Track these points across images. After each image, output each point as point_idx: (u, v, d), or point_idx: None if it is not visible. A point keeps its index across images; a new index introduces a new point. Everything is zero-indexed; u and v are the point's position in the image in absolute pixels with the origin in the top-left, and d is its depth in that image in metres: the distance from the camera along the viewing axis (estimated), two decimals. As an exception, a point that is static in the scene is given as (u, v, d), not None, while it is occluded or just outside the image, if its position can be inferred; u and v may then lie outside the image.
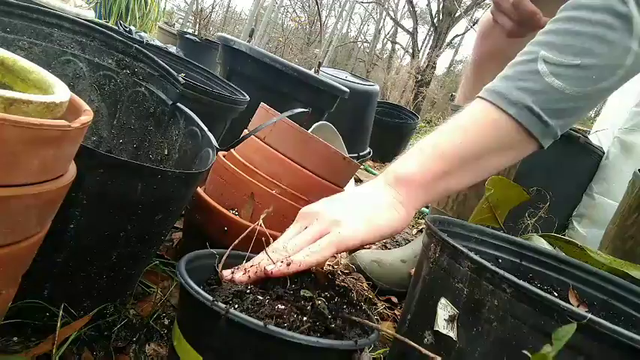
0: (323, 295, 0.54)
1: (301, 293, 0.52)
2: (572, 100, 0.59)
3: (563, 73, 0.58)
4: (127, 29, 2.05)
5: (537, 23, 0.89)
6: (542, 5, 0.89)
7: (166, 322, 0.71)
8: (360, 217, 0.57)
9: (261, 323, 0.43)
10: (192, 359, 0.47)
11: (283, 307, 0.49)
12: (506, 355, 0.44)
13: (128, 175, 0.54)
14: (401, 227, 0.60)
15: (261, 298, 0.51)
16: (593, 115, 4.25)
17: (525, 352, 0.36)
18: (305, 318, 0.49)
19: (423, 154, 0.61)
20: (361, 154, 2.56)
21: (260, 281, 0.54)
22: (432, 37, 11.64)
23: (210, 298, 0.45)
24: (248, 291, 0.51)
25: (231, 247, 0.59)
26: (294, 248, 0.55)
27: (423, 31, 13.93)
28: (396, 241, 1.58)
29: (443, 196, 0.66)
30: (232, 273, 0.55)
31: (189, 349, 0.48)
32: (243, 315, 0.44)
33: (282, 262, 0.52)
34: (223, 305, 0.44)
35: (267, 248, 0.56)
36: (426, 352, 0.43)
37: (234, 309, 0.48)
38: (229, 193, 0.85)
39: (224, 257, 0.57)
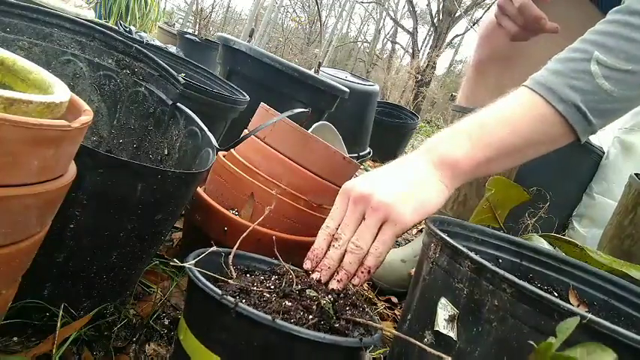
0: (327, 295, 0.54)
1: (307, 293, 0.53)
2: (616, 102, 0.62)
3: (614, 76, 0.60)
4: (127, 29, 2.05)
5: (542, 28, 0.88)
6: (547, 10, 0.89)
7: (166, 322, 0.71)
8: (412, 201, 0.59)
9: (269, 317, 0.44)
10: (199, 353, 0.48)
11: (290, 304, 0.50)
12: (507, 355, 0.44)
13: (128, 175, 0.54)
14: (441, 206, 0.63)
15: (267, 295, 0.51)
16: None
17: (531, 342, 0.36)
18: (311, 316, 0.49)
19: (471, 141, 0.62)
20: (361, 154, 2.56)
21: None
22: (432, 37, 11.64)
23: (219, 291, 0.46)
24: (254, 288, 0.52)
25: (236, 246, 0.59)
26: (365, 242, 0.59)
27: (423, 31, 13.93)
28: (396, 241, 1.58)
29: (480, 177, 0.70)
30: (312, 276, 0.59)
31: (197, 342, 0.48)
32: (251, 309, 0.45)
33: (362, 272, 0.59)
34: (232, 299, 0.45)
35: (324, 232, 0.61)
36: (433, 351, 0.43)
37: (242, 303, 0.48)
38: (229, 193, 0.85)
39: (232, 255, 0.58)
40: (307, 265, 0.60)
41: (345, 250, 0.60)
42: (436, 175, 0.62)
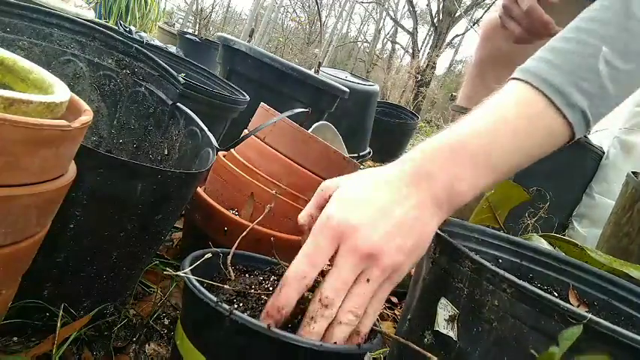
0: None
1: (305, 295, 0.52)
2: (613, 102, 0.54)
3: (617, 77, 0.53)
4: (127, 29, 2.05)
5: (549, 33, 0.86)
6: (555, 15, 0.86)
7: (166, 322, 0.71)
8: (415, 254, 0.49)
9: (264, 325, 0.43)
10: (194, 359, 0.47)
11: None
12: (507, 356, 0.44)
13: (128, 175, 0.54)
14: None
15: (265, 298, 0.51)
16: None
17: (533, 351, 0.36)
18: None
19: (476, 167, 0.50)
20: (361, 154, 2.56)
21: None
22: (432, 37, 11.65)
23: (214, 298, 0.45)
24: (252, 290, 0.52)
25: (235, 246, 0.59)
26: (364, 309, 0.47)
27: (423, 31, 13.95)
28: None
29: None
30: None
31: (192, 348, 0.48)
32: (246, 317, 0.44)
33: (355, 339, 0.47)
34: (227, 306, 0.44)
35: (300, 284, 0.45)
36: (424, 352, 0.43)
37: (238, 307, 0.48)
38: (229, 193, 0.85)
39: (229, 256, 0.58)
40: (269, 322, 0.44)
41: (337, 321, 0.46)
42: (434, 212, 0.50)
